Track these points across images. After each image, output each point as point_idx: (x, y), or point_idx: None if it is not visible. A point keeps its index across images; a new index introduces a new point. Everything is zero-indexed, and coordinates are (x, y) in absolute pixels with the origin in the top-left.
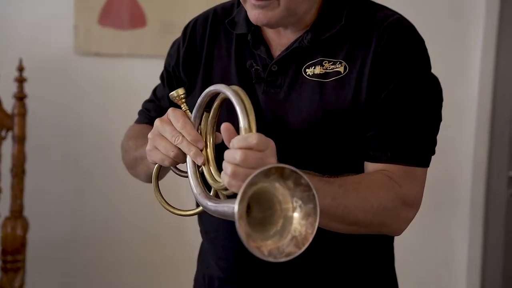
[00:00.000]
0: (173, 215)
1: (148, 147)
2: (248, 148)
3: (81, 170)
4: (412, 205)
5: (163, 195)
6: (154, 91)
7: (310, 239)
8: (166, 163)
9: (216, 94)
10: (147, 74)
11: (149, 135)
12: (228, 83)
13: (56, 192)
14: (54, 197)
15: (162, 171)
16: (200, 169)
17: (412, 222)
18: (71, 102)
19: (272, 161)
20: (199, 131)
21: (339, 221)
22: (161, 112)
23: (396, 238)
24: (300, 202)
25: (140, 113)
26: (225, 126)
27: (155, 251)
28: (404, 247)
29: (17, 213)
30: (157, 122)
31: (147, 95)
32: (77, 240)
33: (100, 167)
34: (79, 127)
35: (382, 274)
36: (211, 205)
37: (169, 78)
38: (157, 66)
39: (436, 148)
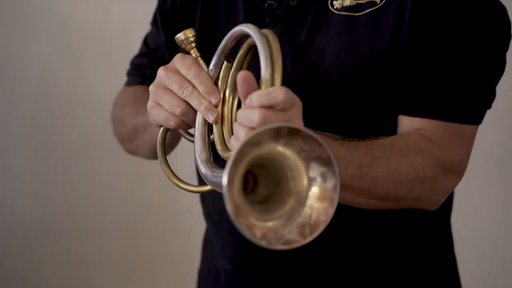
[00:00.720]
0: (168, 198)
1: (149, 103)
2: (270, 107)
3: (50, 142)
4: (456, 172)
5: (171, 167)
6: (145, 42)
7: (321, 229)
8: (172, 123)
9: (242, 38)
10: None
11: (151, 87)
12: (233, 22)
13: (19, 171)
14: (17, 176)
15: (170, 141)
16: (211, 134)
17: (472, 197)
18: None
19: (297, 122)
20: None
21: (365, 195)
22: (158, 67)
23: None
24: (317, 178)
25: (130, 73)
26: (242, 76)
27: (145, 243)
28: (465, 228)
29: None
30: (160, 71)
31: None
32: (44, 229)
33: (74, 136)
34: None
35: (437, 264)
36: (210, 175)
37: (165, 19)
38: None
39: (499, 101)
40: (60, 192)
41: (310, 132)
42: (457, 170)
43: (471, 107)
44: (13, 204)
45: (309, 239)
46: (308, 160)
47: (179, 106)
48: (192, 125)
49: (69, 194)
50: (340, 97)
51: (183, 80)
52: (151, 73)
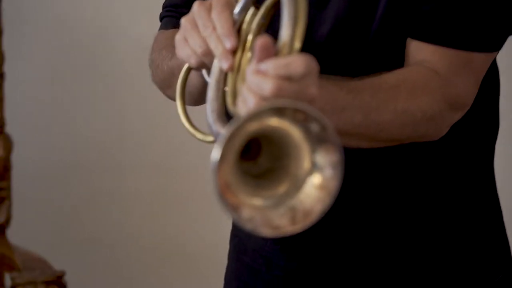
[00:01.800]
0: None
1: (178, 35)
2: (287, 79)
3: (78, 71)
4: (461, 107)
5: (188, 115)
6: None
7: (314, 218)
8: (193, 61)
9: None
10: None
11: (182, 20)
12: None
13: (47, 102)
14: (44, 108)
15: (197, 89)
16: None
17: None
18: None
19: (311, 91)
20: (240, 31)
21: (368, 140)
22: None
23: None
24: (321, 163)
25: (164, 15)
26: (262, 43)
27: (172, 182)
28: None
29: None
30: (195, 5)
31: None
32: (75, 164)
33: (102, 68)
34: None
35: (485, 236)
36: (216, 129)
37: None
38: None
39: None
40: (93, 129)
41: (317, 113)
42: (462, 105)
43: (481, 32)
44: (45, 143)
45: (299, 227)
46: (313, 143)
47: (201, 46)
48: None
49: (102, 131)
50: (343, 32)
51: (207, 19)
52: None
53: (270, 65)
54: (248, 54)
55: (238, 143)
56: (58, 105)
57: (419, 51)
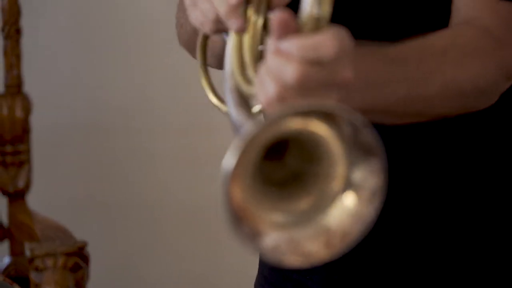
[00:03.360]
0: None
1: (188, 1)
2: (315, 63)
3: (98, 31)
4: None
5: (211, 81)
6: None
7: (355, 238)
8: (207, 28)
9: None
10: None
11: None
12: None
13: (68, 60)
14: (65, 67)
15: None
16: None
17: None
18: None
19: (345, 76)
20: None
21: (413, 117)
22: None
23: None
24: (358, 178)
25: None
26: (279, 19)
27: (195, 142)
28: None
29: (14, 88)
30: None
31: None
32: (97, 126)
33: (123, 27)
34: None
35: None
36: (235, 113)
37: None
38: None
39: None
40: (114, 90)
41: (353, 115)
42: None
43: None
44: (66, 104)
45: (337, 250)
46: (352, 151)
47: (212, 11)
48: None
49: (125, 93)
50: None
51: None
52: None
53: (294, 46)
54: (260, 13)
55: (258, 149)
56: (78, 64)
57: (467, 6)
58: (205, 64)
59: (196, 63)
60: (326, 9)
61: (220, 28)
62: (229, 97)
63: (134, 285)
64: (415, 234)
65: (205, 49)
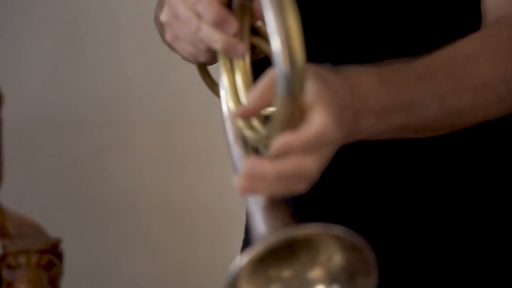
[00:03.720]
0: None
1: (168, 37)
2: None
3: (76, 24)
4: None
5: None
6: None
7: None
8: (202, 58)
9: None
10: None
11: (162, 17)
12: None
13: (41, 52)
14: (38, 59)
15: None
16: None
17: None
18: None
19: (330, 152)
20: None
21: (453, 127)
22: None
23: None
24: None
25: None
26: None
27: (174, 136)
28: None
29: None
30: None
31: None
32: (71, 120)
33: (103, 21)
34: None
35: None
36: (236, 152)
37: None
38: None
39: None
40: (90, 85)
41: (365, 245)
42: None
43: None
44: (40, 96)
45: None
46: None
47: (201, 43)
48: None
49: (101, 84)
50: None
51: (187, 8)
52: None
53: (276, 144)
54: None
55: (264, 255)
56: (51, 57)
57: (496, 4)
58: (213, 82)
59: (175, 57)
60: (298, 47)
61: (215, 56)
62: (229, 133)
63: (109, 282)
64: (415, 235)
65: (208, 73)
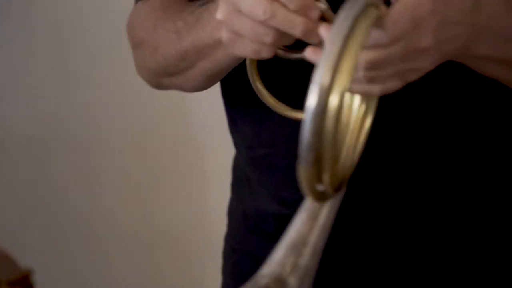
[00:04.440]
0: (178, 104)
1: (226, 35)
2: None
3: (44, 36)
4: None
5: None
6: None
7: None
8: (266, 54)
9: None
10: None
11: (219, 15)
12: None
13: (9, 68)
14: (5, 76)
15: (219, 71)
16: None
17: None
18: None
19: (423, 45)
20: None
21: None
22: None
23: None
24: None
25: None
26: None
27: (156, 157)
28: None
29: None
30: None
31: None
32: (46, 142)
33: (78, 39)
34: None
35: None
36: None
37: None
38: None
39: None
40: (62, 103)
41: None
42: None
43: None
44: (10, 117)
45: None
46: None
47: (268, 35)
48: (292, 40)
49: (80, 104)
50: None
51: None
52: None
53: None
54: None
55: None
56: (19, 72)
57: None
58: (259, 78)
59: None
60: None
61: (281, 48)
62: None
63: None
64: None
65: (257, 70)
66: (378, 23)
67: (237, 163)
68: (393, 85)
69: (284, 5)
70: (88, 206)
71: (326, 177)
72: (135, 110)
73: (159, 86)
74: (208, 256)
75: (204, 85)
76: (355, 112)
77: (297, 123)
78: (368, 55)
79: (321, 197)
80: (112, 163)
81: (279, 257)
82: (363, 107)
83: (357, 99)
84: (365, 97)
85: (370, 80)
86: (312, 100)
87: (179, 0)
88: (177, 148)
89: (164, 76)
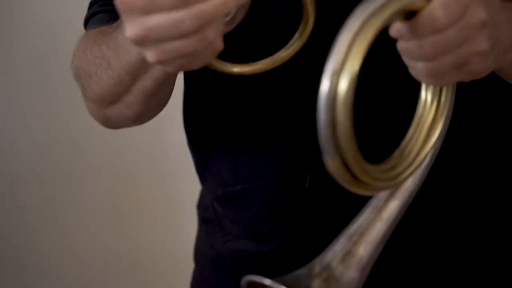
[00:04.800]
0: (155, 141)
1: (152, 57)
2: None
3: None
4: None
5: None
6: None
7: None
8: (202, 60)
9: None
10: None
11: (130, 34)
12: None
13: None
14: None
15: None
16: None
17: None
18: None
19: (479, 17)
20: None
21: None
22: None
23: None
24: None
25: (96, 10)
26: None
27: (130, 186)
28: None
29: None
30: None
31: None
32: (13, 172)
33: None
34: None
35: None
36: None
37: None
38: None
39: None
40: (33, 132)
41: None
42: None
43: None
44: None
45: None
46: None
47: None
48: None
49: (45, 135)
50: None
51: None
52: None
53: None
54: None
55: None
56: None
57: None
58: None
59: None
60: None
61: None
62: None
63: None
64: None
65: None
66: (410, 15)
67: (204, 206)
68: (455, 77)
69: None
70: (53, 237)
71: (354, 167)
72: (112, 139)
73: (105, 120)
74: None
75: (146, 108)
76: (422, 110)
77: (275, 155)
78: (425, 41)
79: (362, 188)
80: (87, 192)
81: (334, 246)
82: (434, 106)
83: (428, 95)
84: (436, 95)
85: (431, 73)
86: (323, 85)
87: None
88: (153, 178)
89: (104, 106)
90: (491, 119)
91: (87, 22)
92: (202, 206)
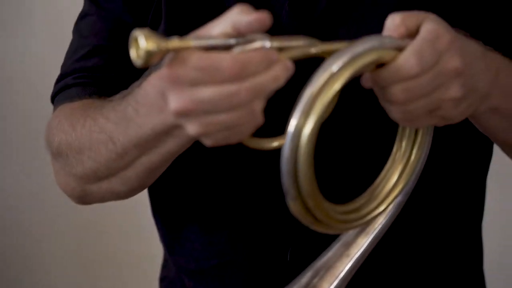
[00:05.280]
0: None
1: (195, 129)
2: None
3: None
4: None
5: None
6: (81, 35)
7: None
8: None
9: None
10: None
11: (174, 105)
12: None
13: None
14: None
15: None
16: None
17: None
18: None
19: (452, 65)
20: None
21: None
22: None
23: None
24: None
25: (71, 82)
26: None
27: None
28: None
29: None
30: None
31: None
32: None
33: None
34: None
35: (465, 276)
36: None
37: None
38: None
39: None
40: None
41: None
42: None
43: None
44: None
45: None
46: None
47: (241, 94)
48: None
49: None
50: None
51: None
52: (110, 77)
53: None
54: None
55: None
56: None
57: None
58: None
59: None
60: None
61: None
62: None
63: None
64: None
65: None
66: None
67: (170, 279)
68: (427, 121)
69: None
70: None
71: (315, 210)
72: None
73: (83, 196)
74: None
75: (142, 184)
76: (396, 150)
77: (253, 231)
78: (396, 88)
79: (325, 228)
80: (60, 246)
81: (300, 279)
82: (409, 147)
83: (404, 137)
84: (411, 137)
85: (404, 117)
86: (290, 127)
87: (97, 98)
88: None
89: (92, 182)
90: (465, 161)
91: (56, 95)
92: (167, 280)
